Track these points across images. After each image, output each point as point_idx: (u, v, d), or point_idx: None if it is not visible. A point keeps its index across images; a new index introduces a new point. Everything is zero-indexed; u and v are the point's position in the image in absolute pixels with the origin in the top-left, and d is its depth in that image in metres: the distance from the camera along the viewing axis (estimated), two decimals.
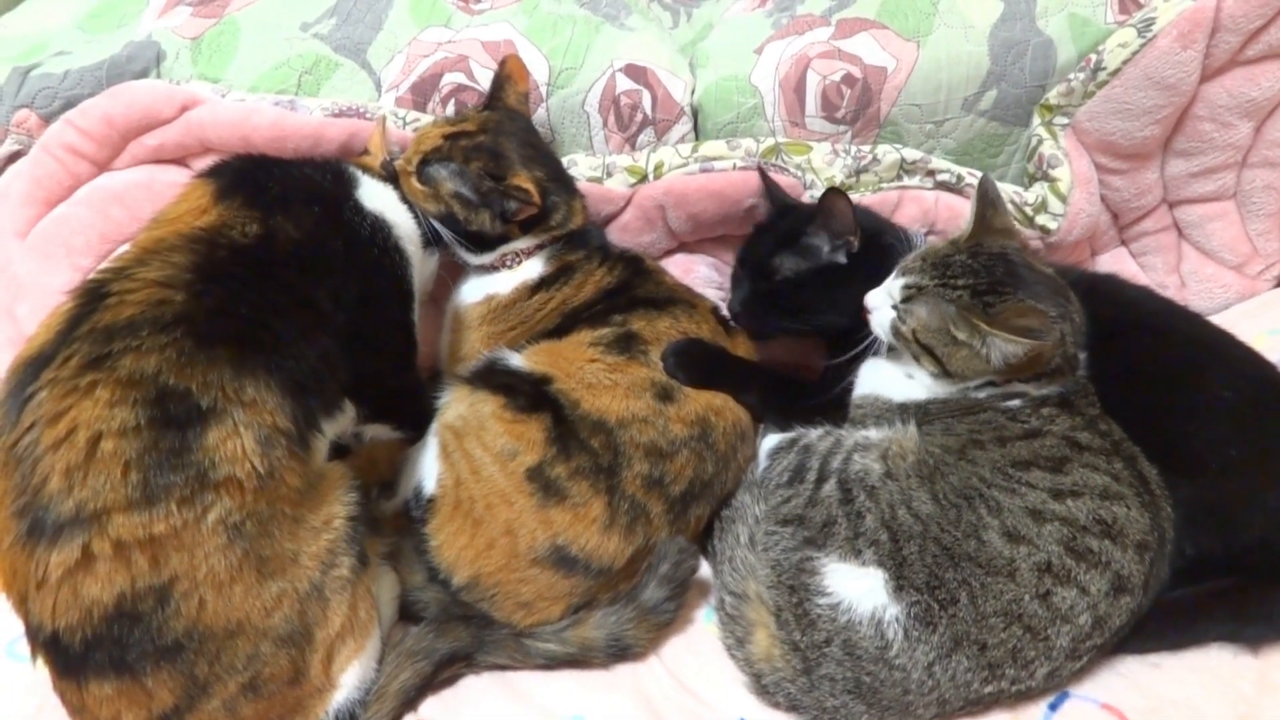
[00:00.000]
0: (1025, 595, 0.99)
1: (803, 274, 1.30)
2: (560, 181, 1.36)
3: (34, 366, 0.90)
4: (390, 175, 1.30)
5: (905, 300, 1.11)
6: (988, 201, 1.17)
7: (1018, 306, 1.06)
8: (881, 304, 1.15)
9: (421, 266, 1.26)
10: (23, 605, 0.89)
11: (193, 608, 0.88)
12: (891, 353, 1.20)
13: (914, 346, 1.11)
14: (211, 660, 0.89)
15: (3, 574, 0.90)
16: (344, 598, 0.98)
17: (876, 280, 1.18)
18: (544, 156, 1.37)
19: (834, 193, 1.25)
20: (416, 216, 1.27)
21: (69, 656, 0.87)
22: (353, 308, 1.07)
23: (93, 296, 0.94)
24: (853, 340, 1.20)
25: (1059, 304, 1.10)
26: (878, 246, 1.27)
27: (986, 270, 1.10)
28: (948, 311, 1.08)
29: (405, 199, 1.27)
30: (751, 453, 1.25)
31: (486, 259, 1.35)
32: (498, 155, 1.30)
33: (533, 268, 1.34)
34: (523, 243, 1.34)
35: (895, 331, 1.13)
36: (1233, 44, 1.41)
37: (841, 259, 1.28)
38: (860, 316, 1.18)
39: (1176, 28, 1.39)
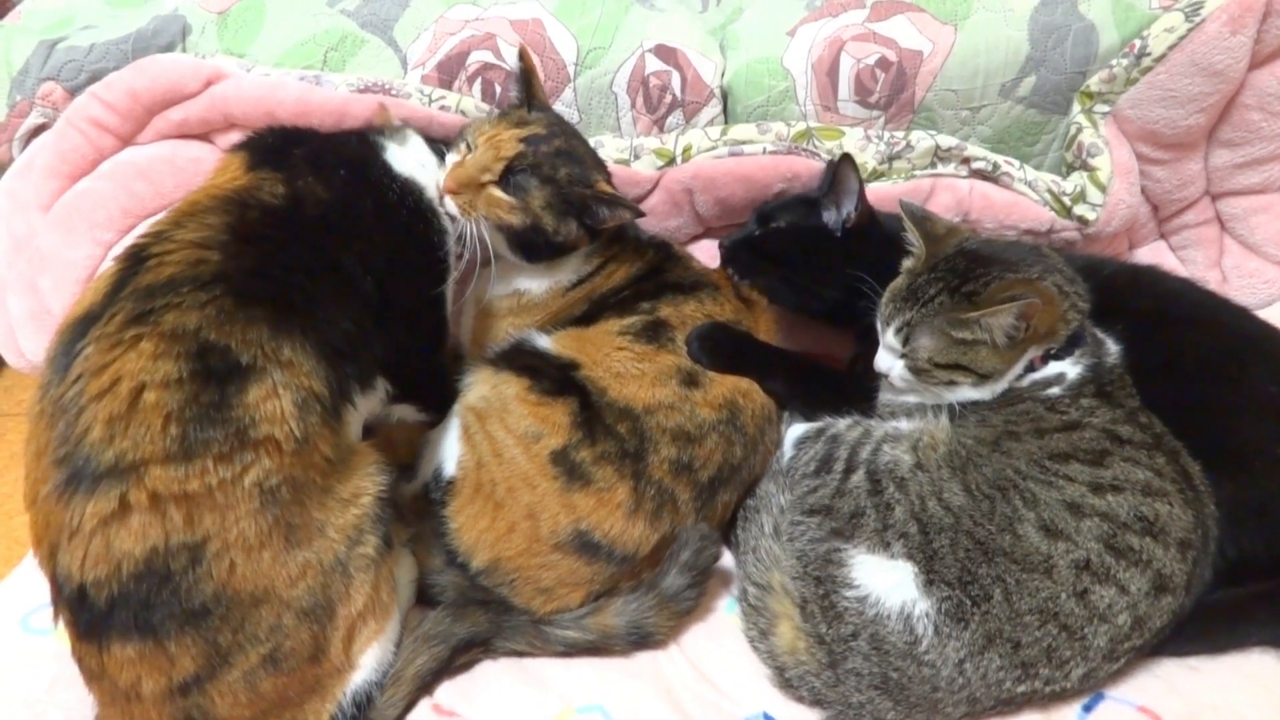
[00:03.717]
0: (1062, 593, 0.96)
1: (794, 228, 1.29)
2: (612, 185, 1.32)
3: (83, 324, 0.92)
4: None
5: (906, 343, 1.10)
6: (919, 219, 1.16)
7: (999, 284, 1.05)
8: (891, 362, 1.13)
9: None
10: (51, 559, 0.88)
11: (223, 570, 0.87)
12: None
13: (941, 373, 1.09)
14: (235, 628, 0.88)
15: (34, 527, 0.90)
16: (367, 577, 0.97)
17: (864, 266, 1.16)
18: (599, 159, 1.33)
19: (844, 159, 1.24)
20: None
21: (93, 614, 0.86)
22: (382, 274, 1.07)
23: (134, 260, 0.96)
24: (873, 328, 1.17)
25: (1035, 260, 1.10)
26: (887, 245, 1.22)
27: (950, 271, 1.09)
28: (939, 324, 1.06)
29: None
30: (778, 437, 1.23)
31: (562, 278, 1.29)
32: (580, 160, 1.24)
33: (570, 269, 1.30)
34: (584, 250, 1.28)
35: (916, 371, 1.10)
36: None
37: (837, 231, 1.26)
38: (832, 294, 1.20)
39: (1227, 11, 1.34)
